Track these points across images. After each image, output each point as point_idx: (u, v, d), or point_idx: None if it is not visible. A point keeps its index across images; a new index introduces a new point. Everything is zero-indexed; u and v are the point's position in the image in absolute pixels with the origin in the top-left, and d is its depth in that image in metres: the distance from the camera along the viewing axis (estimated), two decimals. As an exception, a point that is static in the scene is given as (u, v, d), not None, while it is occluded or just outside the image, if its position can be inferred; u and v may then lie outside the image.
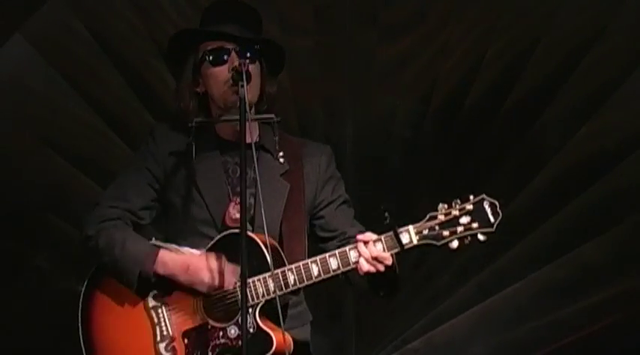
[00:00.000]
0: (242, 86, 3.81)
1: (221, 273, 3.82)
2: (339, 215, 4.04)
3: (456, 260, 6.03)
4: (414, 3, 5.71)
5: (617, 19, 5.53)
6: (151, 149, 4.09)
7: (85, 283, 4.07)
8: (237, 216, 3.85)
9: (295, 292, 3.88)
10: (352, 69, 5.82)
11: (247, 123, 3.75)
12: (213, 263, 3.83)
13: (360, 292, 3.93)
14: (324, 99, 5.86)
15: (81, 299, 4.05)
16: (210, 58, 4.01)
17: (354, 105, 5.89)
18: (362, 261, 3.70)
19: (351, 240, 3.88)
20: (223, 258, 3.84)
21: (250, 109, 3.93)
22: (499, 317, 6.00)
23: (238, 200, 3.81)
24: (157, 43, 5.73)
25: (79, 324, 4.04)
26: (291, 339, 3.86)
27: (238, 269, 3.72)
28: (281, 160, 4.05)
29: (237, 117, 3.77)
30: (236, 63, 3.92)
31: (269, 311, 3.82)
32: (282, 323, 3.70)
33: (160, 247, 3.95)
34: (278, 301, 3.72)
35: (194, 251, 3.93)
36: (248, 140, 3.86)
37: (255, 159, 3.77)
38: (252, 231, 3.87)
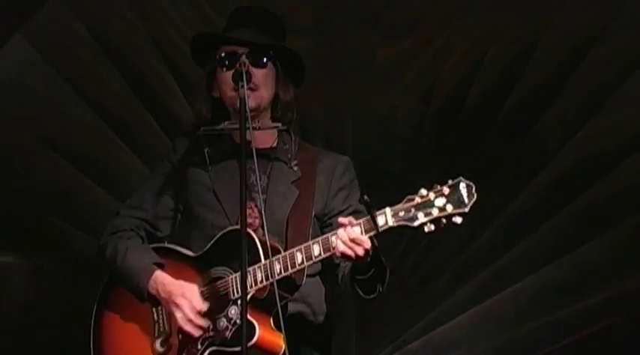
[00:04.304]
0: (242, 86, 3.83)
1: (194, 312, 3.89)
2: None
3: (455, 260, 6.03)
4: (415, 3, 5.70)
5: (617, 19, 5.52)
6: (171, 158, 4.16)
7: (101, 289, 4.19)
8: (250, 221, 3.91)
9: (291, 291, 3.89)
10: (352, 69, 5.81)
11: (250, 129, 3.78)
12: (193, 301, 3.89)
13: (353, 293, 3.93)
14: (324, 100, 5.85)
15: (96, 304, 4.17)
16: (220, 62, 4.04)
17: (354, 106, 5.89)
18: (338, 242, 3.71)
19: None
20: (203, 301, 3.90)
21: (260, 114, 4.00)
22: (499, 317, 6.00)
23: (253, 204, 3.95)
24: (157, 43, 5.73)
25: (92, 327, 4.15)
26: (282, 337, 3.83)
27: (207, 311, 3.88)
28: (294, 168, 4.08)
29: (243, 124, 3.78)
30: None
31: (263, 306, 3.84)
32: (281, 320, 3.76)
33: (158, 265, 4.02)
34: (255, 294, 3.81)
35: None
36: (262, 145, 4.03)
37: (254, 164, 3.80)
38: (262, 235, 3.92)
